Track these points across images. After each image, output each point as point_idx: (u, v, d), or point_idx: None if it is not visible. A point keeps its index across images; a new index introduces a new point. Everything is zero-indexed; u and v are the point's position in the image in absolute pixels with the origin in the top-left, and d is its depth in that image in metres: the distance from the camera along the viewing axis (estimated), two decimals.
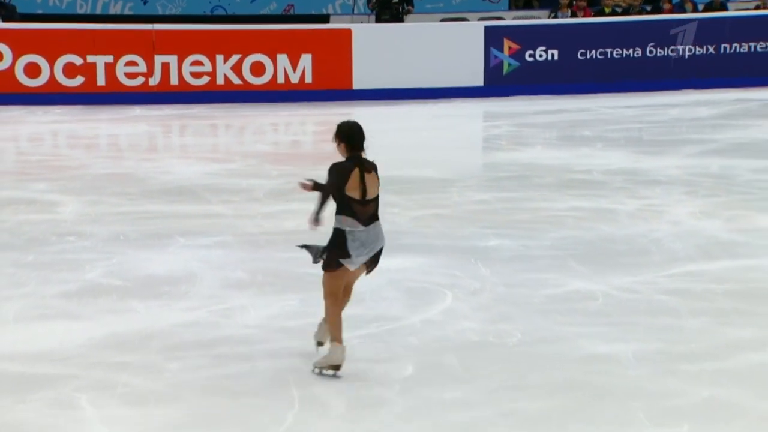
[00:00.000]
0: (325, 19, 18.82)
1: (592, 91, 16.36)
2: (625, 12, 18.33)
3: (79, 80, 16.40)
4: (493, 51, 16.91)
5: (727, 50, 16.91)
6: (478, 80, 16.93)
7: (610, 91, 16.45)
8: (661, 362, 5.65)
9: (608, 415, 5.08)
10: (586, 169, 11.03)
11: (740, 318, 6.27)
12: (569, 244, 8.04)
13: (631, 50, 16.92)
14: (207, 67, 16.64)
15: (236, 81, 16.68)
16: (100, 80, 16.45)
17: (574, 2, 18.25)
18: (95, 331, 6.15)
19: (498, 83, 16.82)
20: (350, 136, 5.40)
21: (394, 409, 5.19)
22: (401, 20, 17.63)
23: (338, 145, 5.44)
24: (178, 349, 5.86)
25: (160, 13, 19.00)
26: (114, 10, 19.96)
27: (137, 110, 15.92)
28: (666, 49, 16.86)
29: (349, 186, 5.32)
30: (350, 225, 5.35)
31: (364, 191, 5.35)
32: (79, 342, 5.98)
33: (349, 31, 16.96)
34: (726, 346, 5.86)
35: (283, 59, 16.71)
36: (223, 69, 16.64)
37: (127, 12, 20.05)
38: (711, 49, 16.88)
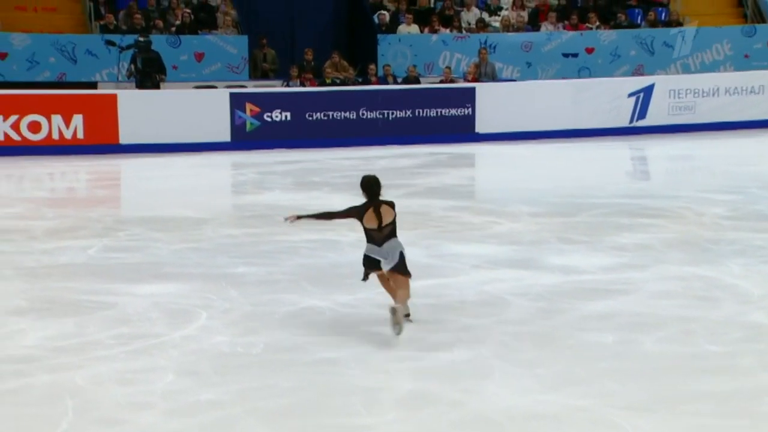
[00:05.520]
0: (93, 85, 18.17)
1: (318, 146, 16.61)
2: (343, 83, 18.73)
3: None
4: (238, 112, 16.86)
5: (420, 114, 17.59)
6: (226, 136, 16.82)
7: (333, 146, 16.73)
8: (374, 363, 5.77)
9: (334, 406, 5.13)
10: (316, 208, 11.11)
11: (435, 325, 6.49)
12: (303, 270, 8.10)
13: (348, 113, 17.30)
14: None
15: (15, 137, 15.81)
16: None
17: (302, 74, 18.48)
18: None
19: (242, 139, 16.78)
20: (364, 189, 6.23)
21: (156, 410, 5.05)
22: (158, 87, 17.31)
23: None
24: None
25: None
26: None
27: None
28: (375, 112, 17.36)
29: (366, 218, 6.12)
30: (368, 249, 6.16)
31: (379, 221, 6.15)
32: None
33: (115, 96, 16.46)
34: (425, 348, 6.04)
35: (57, 119, 16.00)
36: (3, 127, 15.74)
37: None
38: (408, 113, 17.51)
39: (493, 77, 19.07)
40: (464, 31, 20.74)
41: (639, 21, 21.51)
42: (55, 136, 16.00)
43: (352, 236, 9.42)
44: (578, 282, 7.54)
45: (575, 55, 20.32)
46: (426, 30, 20.60)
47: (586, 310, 6.74)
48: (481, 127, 17.77)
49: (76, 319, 6.46)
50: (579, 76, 19.86)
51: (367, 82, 18.71)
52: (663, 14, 21.69)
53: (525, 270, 7.92)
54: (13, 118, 15.80)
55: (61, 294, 7.17)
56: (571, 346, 6.00)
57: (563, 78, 19.61)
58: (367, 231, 6.16)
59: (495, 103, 17.82)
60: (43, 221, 10.20)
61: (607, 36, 20.51)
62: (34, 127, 15.90)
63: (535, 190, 12.35)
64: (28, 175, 14.46)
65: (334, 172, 14.31)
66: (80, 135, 16.07)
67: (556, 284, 7.46)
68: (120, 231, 9.82)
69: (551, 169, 14.87)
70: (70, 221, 10.26)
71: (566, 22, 21.17)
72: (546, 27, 20.98)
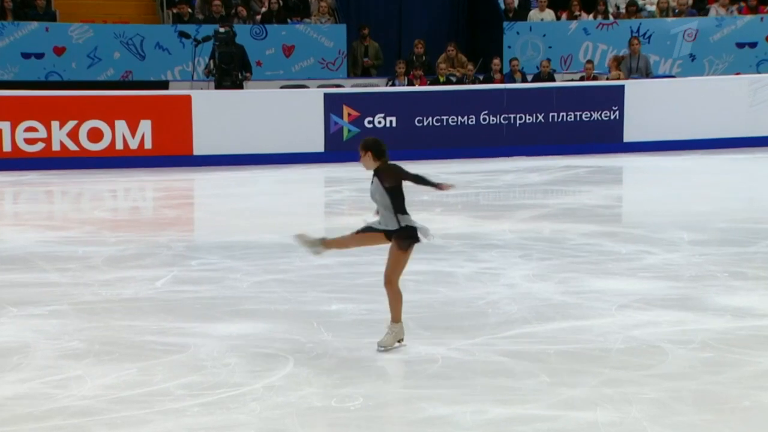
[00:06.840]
0: (164, 85, 18.73)
1: (429, 157, 16.68)
2: (460, 81, 18.81)
3: None
4: (333, 117, 17.10)
5: (555, 118, 17.52)
6: (319, 146, 17.08)
7: (447, 158, 16.81)
8: (497, 423, 5.74)
9: None
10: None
11: (571, 378, 6.43)
12: (410, 308, 8.07)
13: (465, 118, 17.35)
14: (42, 133, 16.30)
15: (73, 147, 16.38)
16: None
17: (411, 71, 18.64)
18: None
19: (338, 149, 16.99)
20: (378, 147, 6.96)
21: None
22: (241, 87, 17.67)
23: (365, 154, 7.01)
24: (8, 424, 5.65)
25: None
26: None
27: None
28: (498, 116, 17.37)
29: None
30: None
31: None
32: None
33: (188, 98, 16.90)
34: (560, 406, 5.99)
35: (121, 125, 16.52)
36: (59, 135, 16.34)
37: None
38: (540, 118, 17.45)
39: (647, 73, 18.84)
40: (611, 17, 20.58)
41: None
42: (119, 146, 16.53)
43: (470, 267, 9.43)
44: (755, 328, 7.37)
45: (753, 45, 19.92)
46: (563, 16, 20.53)
47: (765, 364, 6.58)
48: (630, 135, 17.58)
49: (140, 365, 6.62)
50: (758, 71, 19.45)
51: (490, 80, 18.74)
52: None
53: (685, 312, 7.78)
54: (70, 124, 16.39)
55: (124, 334, 7.36)
56: (746, 408, 5.87)
57: (737, 74, 19.23)
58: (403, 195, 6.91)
59: (648, 106, 17.61)
60: (104, 247, 10.52)
61: None
62: (95, 135, 16.45)
63: (698, 212, 12.14)
64: (87, 192, 14.95)
65: None
66: (147, 144, 16.57)
67: (726, 330, 7.31)
68: (193, 259, 10.05)
69: (720, 187, 14.60)
70: (134, 247, 10.55)
71: (742, 4, 20.76)
72: (716, 10, 20.63)
